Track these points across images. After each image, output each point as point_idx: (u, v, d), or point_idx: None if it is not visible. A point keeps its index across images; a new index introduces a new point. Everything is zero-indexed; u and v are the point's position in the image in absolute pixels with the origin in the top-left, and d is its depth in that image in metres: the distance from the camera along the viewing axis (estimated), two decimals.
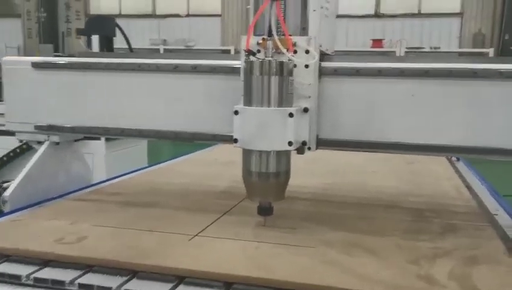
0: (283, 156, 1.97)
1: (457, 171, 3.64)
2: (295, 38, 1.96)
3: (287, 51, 1.92)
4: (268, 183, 1.97)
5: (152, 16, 17.59)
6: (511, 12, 13.97)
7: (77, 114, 2.46)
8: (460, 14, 15.12)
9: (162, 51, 15.88)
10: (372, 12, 15.89)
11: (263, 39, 1.95)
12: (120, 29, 5.90)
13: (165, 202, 2.50)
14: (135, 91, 2.39)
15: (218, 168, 3.48)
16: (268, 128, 1.88)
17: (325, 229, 2.12)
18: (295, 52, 1.96)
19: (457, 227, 2.21)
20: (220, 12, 16.95)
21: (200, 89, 2.29)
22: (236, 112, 1.92)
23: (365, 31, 15.77)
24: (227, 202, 2.50)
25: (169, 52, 15.69)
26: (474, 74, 1.99)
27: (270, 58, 1.89)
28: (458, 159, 4.15)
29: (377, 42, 15.29)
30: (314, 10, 2.00)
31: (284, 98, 1.90)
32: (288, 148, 1.91)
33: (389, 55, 14.24)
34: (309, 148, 2.07)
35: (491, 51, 14.02)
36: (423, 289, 1.56)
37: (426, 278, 1.64)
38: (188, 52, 16.07)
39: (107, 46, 5.82)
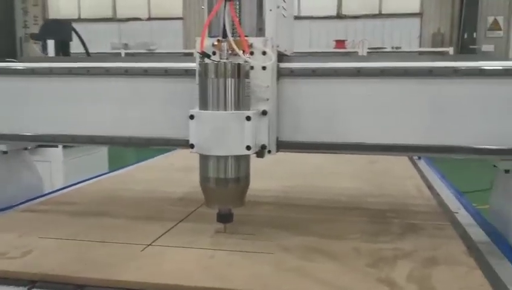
0: (242, 161, 1.90)
1: (418, 170, 3.64)
2: (251, 40, 1.90)
3: (243, 52, 1.86)
4: (227, 190, 1.90)
5: (113, 19, 17.31)
6: (469, 11, 14.27)
7: (24, 122, 2.34)
8: (419, 15, 15.36)
9: (123, 55, 15.64)
10: (334, 13, 15.99)
11: (218, 41, 1.88)
12: (76, 33, 5.75)
13: (119, 211, 2.40)
14: (85, 96, 2.28)
15: (174, 174, 3.40)
16: (226, 132, 1.81)
17: (285, 235, 2.07)
18: (252, 53, 1.90)
19: (418, 227, 2.19)
20: (181, 15, 16.81)
21: (153, 93, 2.21)
22: (191, 117, 1.84)
23: (328, 32, 15.86)
24: (183, 209, 2.42)
25: (128, 56, 15.44)
26: (429, 72, 1.97)
27: (225, 60, 1.83)
28: (420, 158, 4.16)
29: (340, 43, 15.40)
30: (270, 10, 1.94)
31: (241, 101, 1.83)
32: (247, 152, 1.84)
33: (351, 56, 14.36)
34: (269, 152, 2.00)
35: (451, 50, 14.28)
36: None
37: (386, 282, 1.60)
38: (150, 56, 15.88)
39: (63, 51, 5.67)
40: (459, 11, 14.71)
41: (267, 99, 1.95)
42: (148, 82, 2.21)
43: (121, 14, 17.30)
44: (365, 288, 1.56)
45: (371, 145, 2.04)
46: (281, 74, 2.03)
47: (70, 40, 5.80)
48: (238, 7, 1.92)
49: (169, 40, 16.73)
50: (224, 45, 1.85)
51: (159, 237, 2.01)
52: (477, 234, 2.17)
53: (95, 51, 12.87)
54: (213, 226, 2.10)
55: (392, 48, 15.05)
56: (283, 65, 2.04)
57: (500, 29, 14.14)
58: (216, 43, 1.88)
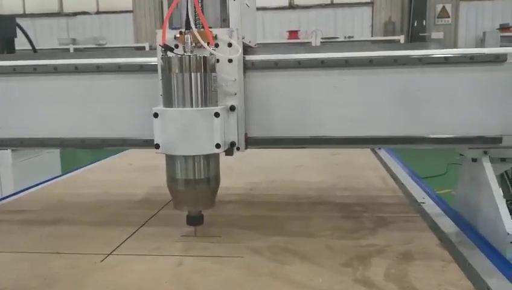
0: (211, 160, 1.79)
1: (380, 159, 3.62)
2: (215, 31, 1.78)
3: (208, 44, 1.75)
4: (197, 191, 1.79)
5: (60, 14, 16.71)
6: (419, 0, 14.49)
7: None
8: (371, 4, 15.47)
9: (72, 51, 15.15)
10: (286, 4, 15.95)
11: (180, 33, 1.76)
12: (21, 28, 5.45)
13: (74, 218, 2.26)
14: (33, 96, 2.12)
15: (133, 174, 3.25)
16: (193, 130, 1.70)
17: (253, 235, 1.98)
18: (216, 46, 1.79)
19: (388, 221, 2.14)
20: (131, 8, 16.40)
21: (106, 91, 2.07)
22: (156, 115, 1.72)
23: (281, 23, 15.81)
24: (145, 212, 2.29)
25: (77, 52, 14.98)
26: (394, 62, 1.92)
27: (189, 54, 1.70)
28: (380, 148, 4.15)
29: (293, 33, 15.36)
30: (234, 0, 1.84)
31: (208, 97, 1.72)
32: (216, 151, 1.73)
33: (305, 46, 14.37)
34: (238, 149, 1.91)
35: (401, 38, 14.46)
36: None
37: (363, 282, 1.53)
38: (100, 50, 15.44)
39: (7, 48, 5.36)
40: (409, 0, 14.92)
41: (235, 94, 1.85)
42: (101, 79, 2.07)
43: (68, 8, 16.72)
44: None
45: (342, 139, 1.98)
46: (247, 67, 1.93)
47: (15, 36, 5.50)
48: None
49: (120, 34, 16.31)
50: (188, 37, 1.72)
51: (120, 244, 1.89)
52: (446, 224, 2.14)
53: (43, 47, 12.44)
54: (179, 230, 1.99)
55: (345, 37, 15.13)
56: (249, 57, 1.94)
57: (448, 16, 14.39)
58: (178, 35, 1.76)
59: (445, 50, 1.94)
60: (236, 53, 1.79)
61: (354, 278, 1.56)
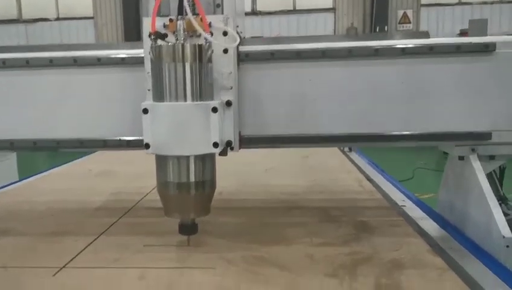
0: (207, 161, 1.59)
1: (353, 162, 3.47)
2: (209, 18, 1.57)
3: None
4: (190, 196, 1.58)
5: (18, 21, 16.16)
6: (380, 6, 14.61)
7: None
8: (333, 10, 15.55)
9: None
10: (249, 10, 15.85)
11: (171, 20, 1.55)
12: None
13: (23, 228, 2.02)
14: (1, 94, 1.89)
15: (92, 181, 2.99)
16: (188, 127, 1.49)
17: (226, 243, 1.78)
18: (210, 34, 1.57)
19: (370, 225, 1.98)
20: (92, 14, 15.99)
21: (84, 86, 1.85)
22: (145, 111, 1.50)
23: (243, 29, 15.71)
24: (104, 220, 2.07)
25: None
26: (375, 52, 1.78)
27: (182, 42, 1.50)
28: (351, 150, 4.02)
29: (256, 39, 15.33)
30: None
31: (204, 90, 1.52)
32: (214, 150, 1.52)
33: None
34: (231, 149, 1.71)
35: None
36: None
37: None
38: None
39: None
40: (370, 6, 15.02)
41: (231, 88, 1.65)
42: (78, 74, 1.85)
43: (27, 14, 16.20)
44: None
45: (343, 136, 1.82)
46: (240, 58, 1.74)
47: None
48: None
49: (80, 40, 15.88)
50: (180, 23, 1.51)
51: (75, 256, 1.67)
52: (432, 228, 1.99)
53: None
54: (142, 239, 1.78)
55: None
56: (243, 48, 1.75)
57: (410, 22, 14.57)
58: (168, 23, 1.56)
59: (430, 40, 1.80)
60: (233, 42, 1.59)
61: None
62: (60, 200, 2.49)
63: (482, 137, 1.81)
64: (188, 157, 1.54)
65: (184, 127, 1.48)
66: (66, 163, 3.67)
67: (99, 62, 1.82)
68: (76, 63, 1.83)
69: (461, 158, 1.98)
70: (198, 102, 1.50)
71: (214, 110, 1.49)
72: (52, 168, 3.55)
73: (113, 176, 2.93)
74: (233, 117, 1.66)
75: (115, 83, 1.83)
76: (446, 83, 1.78)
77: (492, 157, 1.96)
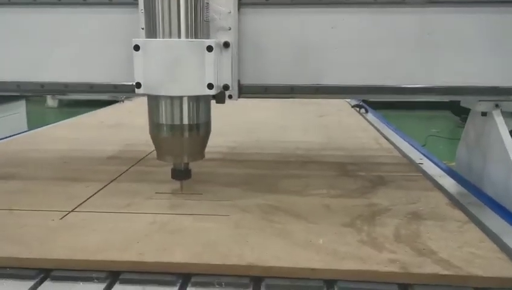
0: (202, 103, 1.52)
1: (370, 123, 3.40)
2: None
3: None
4: (184, 139, 1.52)
5: None
6: None
7: None
8: None
9: None
10: None
11: None
12: None
13: (32, 173, 1.98)
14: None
15: (104, 131, 2.95)
16: (181, 66, 1.41)
17: (239, 193, 1.74)
18: None
19: (387, 179, 1.92)
20: None
21: (72, 28, 1.77)
22: (136, 47, 1.42)
23: None
24: (115, 168, 2.03)
25: None
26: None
27: None
28: (367, 112, 3.95)
29: None
30: None
31: (199, 27, 1.44)
32: (208, 92, 1.44)
33: None
34: (230, 97, 1.64)
35: None
36: (370, 257, 1.22)
37: (371, 243, 1.30)
38: None
39: None
40: None
41: (229, 29, 1.58)
42: (62, 13, 1.76)
43: None
44: (347, 253, 1.24)
45: (354, 88, 1.72)
46: (241, 1, 1.64)
47: None
48: None
49: None
50: None
51: (84, 201, 1.63)
52: (451, 184, 1.92)
53: None
54: (153, 187, 1.74)
55: None
56: None
57: None
58: None
59: None
60: None
61: (359, 239, 1.32)
62: (71, 149, 2.45)
63: (507, 92, 1.73)
64: (181, 98, 1.47)
65: (177, 66, 1.41)
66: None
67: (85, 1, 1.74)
68: (61, 2, 1.75)
69: (484, 114, 1.91)
70: (193, 39, 1.42)
71: (209, 48, 1.41)
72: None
73: (125, 128, 2.89)
74: (232, 60, 1.58)
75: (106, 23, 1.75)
76: (472, 35, 1.69)
77: None
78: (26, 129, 5.44)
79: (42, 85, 1.82)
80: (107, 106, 4.07)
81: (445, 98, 1.80)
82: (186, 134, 1.51)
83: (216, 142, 2.56)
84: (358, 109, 4.01)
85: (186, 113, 1.49)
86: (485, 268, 1.16)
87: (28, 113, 5.63)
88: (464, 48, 1.69)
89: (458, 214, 1.54)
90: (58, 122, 3.36)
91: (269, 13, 1.68)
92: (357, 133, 2.96)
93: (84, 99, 10.44)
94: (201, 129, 1.54)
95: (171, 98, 1.47)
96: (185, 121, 1.49)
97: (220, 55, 1.54)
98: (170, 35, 1.41)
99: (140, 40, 1.44)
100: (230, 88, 1.60)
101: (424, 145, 7.29)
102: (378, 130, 3.05)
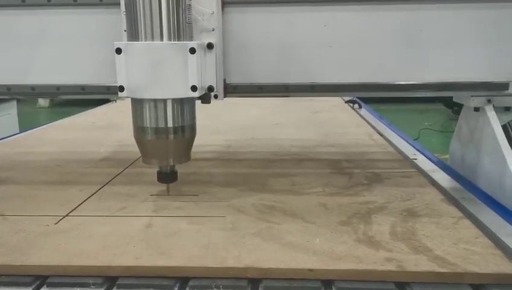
0: (186, 105, 1.51)
1: (363, 118, 3.40)
2: None
3: None
4: (169, 142, 1.52)
5: None
6: None
7: None
8: None
9: None
10: None
11: None
12: None
13: (24, 177, 1.97)
14: None
15: (96, 132, 2.94)
16: (164, 69, 1.40)
17: (234, 193, 1.73)
18: None
19: (383, 176, 1.93)
20: None
21: (59, 29, 1.75)
22: (118, 51, 1.41)
23: None
24: (109, 170, 2.02)
25: None
26: None
27: None
28: (360, 107, 3.95)
29: None
30: None
31: (182, 29, 1.43)
32: (192, 94, 1.43)
33: None
34: (216, 97, 1.62)
35: None
36: (367, 256, 1.22)
37: (367, 242, 1.30)
38: None
39: None
40: None
41: (213, 30, 1.57)
42: (52, 15, 1.75)
43: None
44: (344, 252, 1.25)
45: (336, 86, 1.72)
46: (225, 0, 1.64)
47: None
48: None
49: None
50: None
51: (79, 205, 1.62)
52: (445, 179, 1.93)
53: None
54: (149, 189, 1.73)
55: None
56: None
57: None
58: None
59: None
60: None
61: (355, 238, 1.33)
62: (63, 151, 2.44)
63: (499, 87, 1.73)
64: (164, 101, 1.46)
65: (160, 69, 1.40)
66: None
67: (75, 2, 1.72)
68: (50, 3, 1.73)
69: (476, 109, 1.92)
70: (175, 42, 1.41)
71: (192, 50, 1.40)
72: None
73: (117, 129, 2.88)
74: (216, 61, 1.57)
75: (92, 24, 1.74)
76: (464, 30, 1.69)
77: (507, 109, 1.92)
78: (17, 130, 5.44)
79: (33, 88, 1.81)
80: (99, 105, 4.07)
81: (439, 94, 1.80)
82: (171, 136, 1.50)
83: (211, 141, 2.57)
84: (352, 104, 4.02)
85: (171, 115, 1.48)
86: (480, 265, 1.16)
87: (19, 113, 5.59)
88: (456, 43, 1.69)
89: (453, 210, 1.55)
90: (49, 124, 3.34)
91: (254, 12, 1.67)
92: (351, 129, 2.96)
93: (76, 99, 10.37)
94: (186, 131, 1.53)
95: (155, 100, 1.46)
96: (170, 124, 1.49)
97: (204, 56, 1.53)
98: (152, 38, 1.40)
99: (122, 43, 1.43)
100: (215, 89, 1.58)
101: (417, 139, 7.34)
102: (372, 126, 3.06)
